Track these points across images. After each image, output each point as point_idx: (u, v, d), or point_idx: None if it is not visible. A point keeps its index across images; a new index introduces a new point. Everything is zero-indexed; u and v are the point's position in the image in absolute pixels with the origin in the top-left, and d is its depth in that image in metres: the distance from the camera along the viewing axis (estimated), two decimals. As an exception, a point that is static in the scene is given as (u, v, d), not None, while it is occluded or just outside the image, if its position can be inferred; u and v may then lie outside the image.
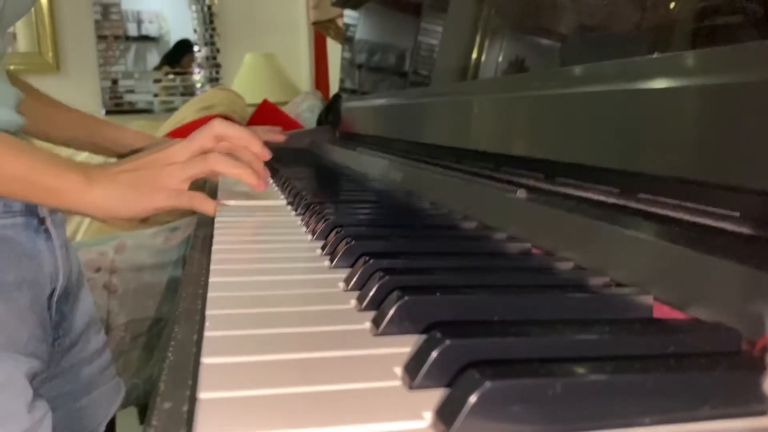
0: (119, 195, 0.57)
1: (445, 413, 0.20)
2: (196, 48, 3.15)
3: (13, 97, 0.59)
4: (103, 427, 0.73)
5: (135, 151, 0.82)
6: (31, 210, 0.59)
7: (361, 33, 1.36)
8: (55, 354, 0.64)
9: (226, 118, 1.82)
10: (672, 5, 0.44)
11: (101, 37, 3.01)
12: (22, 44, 2.88)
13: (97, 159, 1.36)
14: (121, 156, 0.84)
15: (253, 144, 0.65)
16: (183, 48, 3.14)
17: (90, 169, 0.58)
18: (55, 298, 0.62)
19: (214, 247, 0.46)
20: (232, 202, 0.65)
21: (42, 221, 0.60)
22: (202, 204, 0.60)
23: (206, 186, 0.84)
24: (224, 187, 0.74)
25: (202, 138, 0.62)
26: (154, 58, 3.13)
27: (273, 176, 0.92)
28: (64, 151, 1.15)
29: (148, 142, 0.85)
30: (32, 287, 0.57)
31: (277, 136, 1.13)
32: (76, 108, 0.84)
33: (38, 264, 0.58)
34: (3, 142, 0.53)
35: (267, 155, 0.67)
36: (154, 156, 0.60)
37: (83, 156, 1.34)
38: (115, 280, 1.36)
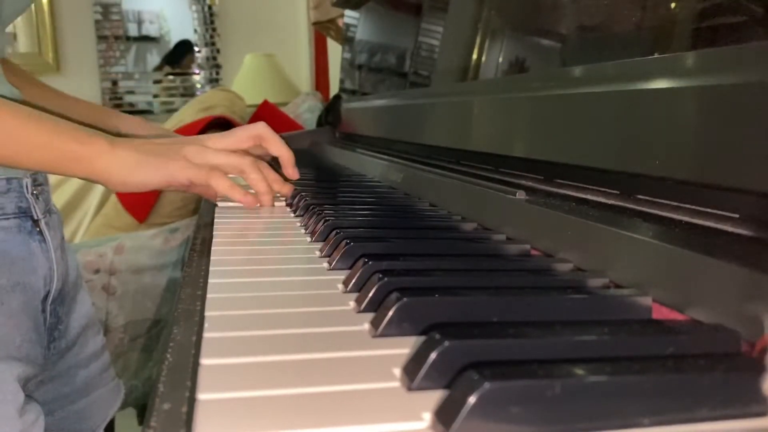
0: (138, 159, 0.57)
1: (445, 414, 0.20)
2: (196, 48, 3.15)
3: (10, 98, 0.59)
4: (101, 430, 0.72)
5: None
6: (24, 212, 0.58)
7: (361, 33, 1.36)
8: (51, 357, 0.63)
9: (226, 119, 1.83)
10: (672, 5, 0.44)
11: (101, 38, 3.01)
12: (23, 44, 2.88)
13: None
14: None
15: (287, 161, 0.66)
16: (184, 48, 3.14)
17: (116, 138, 0.58)
18: (49, 301, 0.61)
19: (214, 248, 0.46)
20: (232, 204, 0.65)
21: (36, 223, 0.59)
22: (219, 182, 0.59)
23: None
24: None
25: (240, 135, 0.63)
26: (154, 58, 3.13)
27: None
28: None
29: (154, 131, 0.84)
30: (25, 290, 0.57)
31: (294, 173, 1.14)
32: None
33: (32, 267, 0.58)
34: (23, 111, 0.53)
35: (296, 175, 0.67)
36: (184, 137, 0.61)
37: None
38: (114, 282, 1.36)
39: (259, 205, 0.63)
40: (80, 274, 0.72)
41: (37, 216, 0.59)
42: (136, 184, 0.57)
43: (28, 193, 0.58)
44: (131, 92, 3.10)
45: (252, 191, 0.63)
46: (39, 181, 0.61)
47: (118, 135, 0.82)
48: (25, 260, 0.57)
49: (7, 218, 0.56)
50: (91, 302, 0.73)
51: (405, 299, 0.29)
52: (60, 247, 0.64)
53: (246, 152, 0.64)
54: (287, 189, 0.66)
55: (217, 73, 3.17)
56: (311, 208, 0.57)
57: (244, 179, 0.63)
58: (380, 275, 0.33)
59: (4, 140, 0.52)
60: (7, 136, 0.52)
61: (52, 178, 0.80)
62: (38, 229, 0.59)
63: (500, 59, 0.71)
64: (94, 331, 0.72)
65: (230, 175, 0.62)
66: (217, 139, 0.62)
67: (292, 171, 0.67)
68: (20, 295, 0.56)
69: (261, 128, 0.64)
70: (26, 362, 0.56)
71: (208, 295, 0.34)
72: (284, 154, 0.66)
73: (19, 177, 0.58)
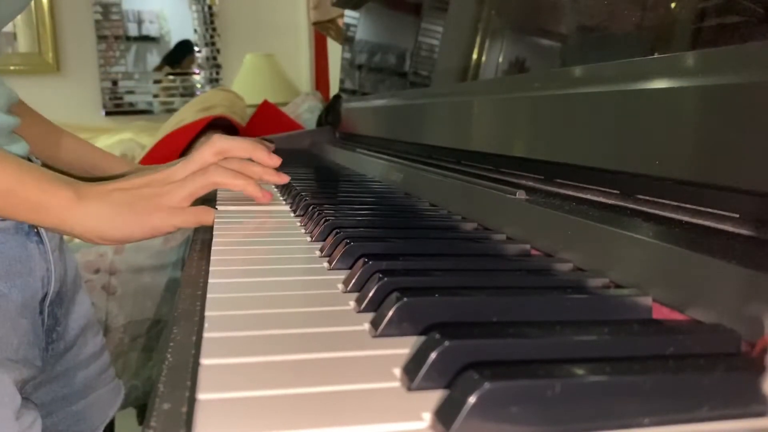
0: (111, 214, 0.53)
1: (445, 414, 0.20)
2: (196, 48, 3.15)
3: (3, 98, 0.58)
4: (101, 430, 0.72)
5: (118, 177, 0.79)
6: None
7: (361, 33, 1.36)
8: (49, 358, 0.63)
9: (226, 119, 1.82)
10: (672, 5, 0.44)
11: (101, 38, 3.01)
12: (23, 45, 2.88)
13: None
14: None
15: (259, 154, 0.61)
16: (184, 49, 3.14)
17: (81, 185, 0.54)
18: (47, 303, 0.61)
19: (213, 248, 0.46)
20: (232, 207, 0.64)
21: (33, 225, 0.59)
22: (208, 216, 0.56)
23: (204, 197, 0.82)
24: (223, 194, 0.73)
25: (202, 155, 0.58)
26: (154, 58, 3.13)
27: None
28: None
29: (131, 168, 0.82)
30: (23, 292, 0.56)
31: (273, 160, 1.11)
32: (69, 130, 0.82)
33: (29, 269, 0.57)
34: None
35: (276, 161, 0.63)
36: (151, 176, 0.57)
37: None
38: (114, 282, 1.36)
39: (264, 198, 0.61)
40: (79, 274, 0.72)
41: None
42: (116, 239, 0.54)
43: None
44: (131, 92, 3.10)
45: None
46: None
47: (95, 169, 0.78)
48: (23, 262, 0.57)
49: (4, 219, 0.56)
50: (91, 303, 0.72)
51: (405, 299, 0.29)
52: (58, 248, 0.63)
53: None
54: (280, 178, 0.62)
55: (217, 73, 3.17)
56: (311, 207, 0.57)
57: (225, 187, 0.60)
58: (380, 275, 0.33)
59: None
60: None
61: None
62: (36, 230, 0.59)
63: (500, 59, 0.71)
64: (93, 331, 0.72)
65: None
66: (181, 168, 0.57)
67: (271, 161, 0.62)
68: (17, 297, 0.55)
69: (218, 143, 0.59)
70: (24, 364, 0.56)
71: (208, 295, 0.34)
72: (254, 154, 0.61)
73: None
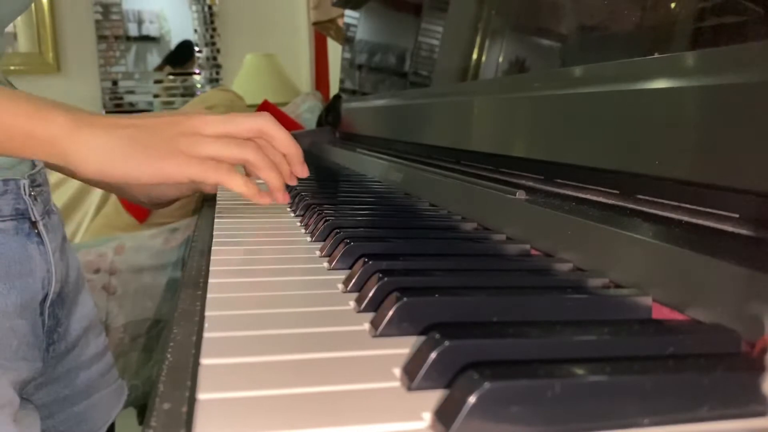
0: (118, 148, 0.47)
1: (445, 414, 0.20)
2: (196, 49, 3.15)
3: None
4: (103, 431, 0.72)
5: None
6: (21, 214, 0.57)
7: (361, 33, 1.36)
8: (51, 359, 0.63)
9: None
10: (672, 5, 0.44)
11: (102, 37, 3.01)
12: (23, 44, 2.88)
13: None
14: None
15: (295, 158, 0.57)
16: (187, 50, 3.14)
17: (84, 114, 0.48)
18: (48, 303, 0.60)
19: (214, 248, 0.46)
20: (231, 207, 0.64)
21: (34, 225, 0.58)
22: (233, 181, 0.50)
23: (204, 196, 0.81)
24: (223, 194, 0.73)
25: (243, 123, 0.52)
26: (154, 58, 3.13)
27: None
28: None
29: None
30: (22, 293, 0.56)
31: (303, 172, 1.08)
32: None
33: (29, 269, 0.57)
34: None
35: (306, 173, 0.59)
36: (177, 117, 0.51)
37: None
38: (115, 282, 1.36)
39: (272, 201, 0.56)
40: (81, 274, 0.71)
41: (35, 218, 0.58)
42: (119, 177, 0.48)
43: (25, 194, 0.57)
44: (131, 92, 3.10)
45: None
46: (38, 182, 0.60)
47: None
48: (23, 263, 0.56)
49: (4, 220, 0.55)
50: (93, 303, 0.72)
51: (405, 299, 0.29)
52: (59, 249, 0.63)
53: None
54: (284, 197, 0.57)
55: (218, 73, 3.17)
56: (311, 207, 0.57)
57: (250, 172, 0.55)
58: (380, 275, 0.33)
59: None
60: None
61: (52, 178, 0.79)
62: (36, 231, 0.58)
63: (500, 59, 0.71)
64: (95, 332, 0.71)
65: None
66: (215, 124, 0.51)
67: (300, 168, 0.58)
68: (16, 298, 0.55)
69: (264, 121, 0.54)
70: (24, 366, 0.55)
71: (208, 295, 0.34)
72: (292, 152, 0.57)
73: (17, 178, 0.57)
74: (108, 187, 0.72)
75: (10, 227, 0.56)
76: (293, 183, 0.59)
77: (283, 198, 0.56)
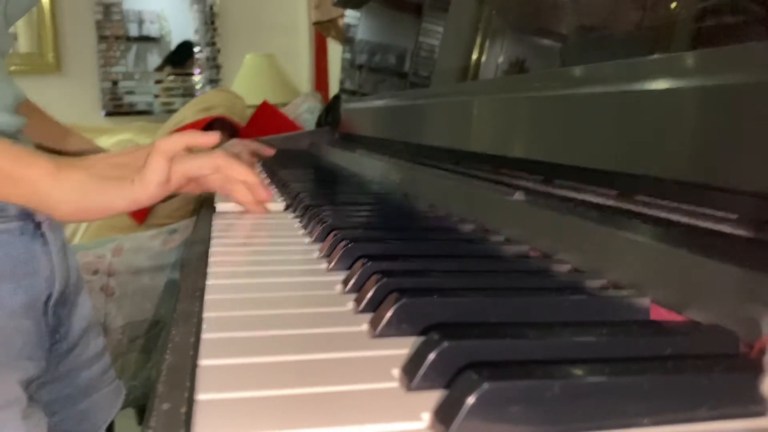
0: (95, 185, 0.50)
1: (444, 414, 0.20)
2: (197, 49, 3.15)
3: (11, 98, 0.58)
4: (103, 431, 0.73)
5: None
6: (27, 214, 0.58)
7: (361, 34, 1.36)
8: (53, 359, 0.63)
9: (226, 119, 1.83)
10: (672, 5, 0.44)
11: (102, 38, 3.01)
12: (23, 45, 2.88)
13: None
14: None
15: (258, 190, 0.60)
16: (188, 51, 3.14)
17: (62, 159, 0.52)
18: (51, 303, 0.61)
19: (212, 249, 0.46)
20: (230, 205, 0.64)
21: (38, 226, 0.59)
22: (216, 182, 0.55)
23: (203, 197, 0.82)
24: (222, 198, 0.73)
25: (201, 163, 0.57)
26: (154, 58, 3.13)
27: (271, 178, 0.92)
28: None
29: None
30: (27, 293, 0.56)
31: (267, 151, 1.13)
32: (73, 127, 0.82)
33: (34, 269, 0.58)
34: None
35: (269, 196, 0.62)
36: (137, 147, 0.55)
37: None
38: (113, 283, 1.36)
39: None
40: (81, 276, 0.72)
41: (40, 218, 0.59)
42: (95, 210, 0.51)
43: None
44: (131, 92, 3.10)
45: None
46: None
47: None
48: (27, 263, 0.57)
49: (10, 221, 0.56)
50: (92, 304, 0.73)
51: (404, 300, 0.29)
52: (62, 250, 0.64)
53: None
54: (268, 195, 0.62)
55: (218, 73, 3.17)
56: (310, 208, 0.57)
57: (228, 173, 0.59)
58: (379, 276, 0.33)
59: None
60: None
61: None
62: (40, 231, 0.59)
63: (500, 59, 0.71)
64: (95, 332, 0.72)
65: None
66: (175, 140, 0.55)
67: (264, 193, 0.61)
68: (22, 298, 0.56)
69: (219, 160, 0.58)
70: (29, 365, 0.56)
71: (207, 296, 0.34)
72: (249, 179, 0.60)
73: None
74: None
75: (15, 228, 0.56)
76: (264, 198, 0.62)
77: (262, 209, 0.61)
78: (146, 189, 0.52)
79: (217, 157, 0.58)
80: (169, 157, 0.54)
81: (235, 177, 0.60)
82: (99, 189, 0.51)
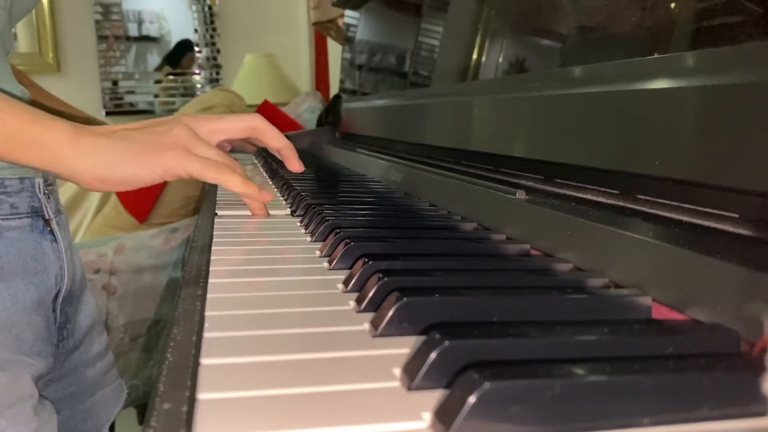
0: (116, 151, 0.48)
1: (445, 414, 0.20)
2: (196, 49, 3.15)
3: (17, 96, 0.59)
4: (106, 429, 0.73)
5: None
6: (36, 211, 0.58)
7: (361, 33, 1.36)
8: (60, 356, 0.64)
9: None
10: (672, 6, 0.44)
11: (102, 38, 3.01)
12: (23, 44, 2.88)
13: None
14: None
15: (289, 151, 0.58)
16: (183, 48, 3.14)
17: (82, 125, 0.49)
18: (59, 300, 0.62)
19: (214, 248, 0.46)
20: (229, 212, 0.63)
21: (47, 223, 0.59)
22: (231, 180, 0.51)
23: (204, 195, 0.82)
24: (223, 197, 0.73)
25: (235, 122, 0.54)
26: (154, 58, 3.13)
27: (272, 178, 0.92)
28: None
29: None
30: (38, 289, 0.57)
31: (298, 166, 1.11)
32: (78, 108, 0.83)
33: (44, 266, 0.58)
34: None
35: (300, 168, 0.60)
36: (165, 118, 0.53)
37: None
38: (115, 282, 1.36)
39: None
40: (84, 274, 0.73)
41: (49, 215, 0.59)
42: (120, 180, 0.49)
43: (40, 192, 0.58)
44: (131, 92, 3.10)
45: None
46: (49, 181, 0.61)
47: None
48: (38, 259, 0.57)
49: (21, 217, 0.56)
50: (95, 302, 0.73)
51: (405, 299, 0.29)
52: (70, 247, 0.64)
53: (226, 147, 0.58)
54: (268, 196, 0.59)
55: (217, 73, 3.17)
56: (311, 208, 0.57)
57: (259, 137, 0.57)
58: (380, 275, 0.33)
59: None
60: None
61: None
62: (49, 228, 0.59)
63: (500, 59, 0.71)
64: (98, 330, 0.73)
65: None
66: (209, 123, 0.53)
67: (297, 164, 0.60)
68: (34, 294, 0.56)
69: (257, 120, 0.56)
70: (38, 361, 0.56)
71: (208, 295, 0.34)
72: (285, 147, 0.59)
73: (32, 176, 0.58)
74: None
75: (26, 224, 0.57)
76: (296, 169, 0.60)
77: (265, 213, 0.58)
78: (181, 159, 0.49)
79: (250, 119, 0.56)
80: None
81: (269, 144, 0.58)
82: (122, 156, 0.48)
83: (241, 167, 0.55)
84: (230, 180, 0.52)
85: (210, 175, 0.50)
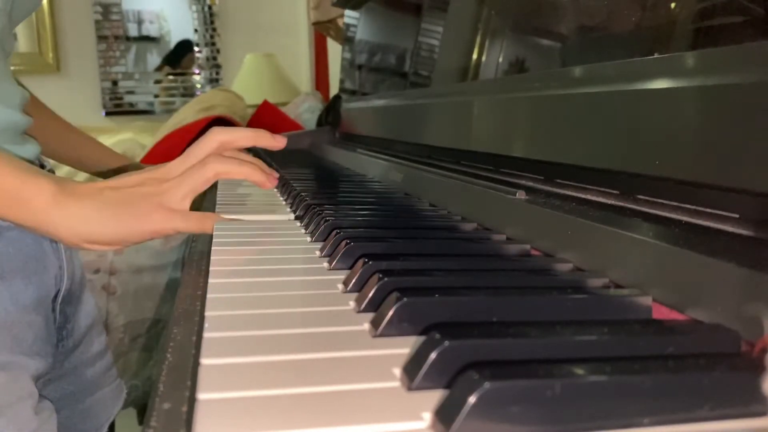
0: (102, 213, 0.47)
1: (445, 414, 0.20)
2: (196, 49, 3.15)
3: (17, 97, 0.59)
4: (105, 428, 0.73)
5: (115, 171, 0.79)
6: None
7: (361, 33, 1.36)
8: (59, 355, 0.64)
9: (226, 119, 1.83)
10: (672, 5, 0.44)
11: (102, 38, 3.01)
12: (23, 45, 2.88)
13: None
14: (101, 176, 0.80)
15: (262, 139, 0.55)
16: (183, 48, 3.14)
17: (68, 181, 0.49)
18: (59, 300, 0.62)
19: (213, 248, 0.46)
20: (232, 216, 0.62)
21: None
22: (208, 223, 0.52)
23: (204, 197, 0.82)
24: (223, 197, 0.73)
25: (201, 148, 0.53)
26: (154, 58, 3.13)
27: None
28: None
29: (126, 163, 0.81)
30: (38, 289, 0.57)
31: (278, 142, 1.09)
32: (71, 123, 0.82)
33: (43, 266, 0.58)
34: None
35: (281, 143, 0.56)
36: (146, 174, 0.52)
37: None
38: (114, 282, 1.36)
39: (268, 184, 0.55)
40: (84, 274, 0.73)
41: None
42: (108, 241, 0.49)
43: None
44: (131, 92, 3.11)
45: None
46: None
47: (96, 162, 0.79)
48: (38, 259, 0.58)
49: None
50: (95, 302, 0.73)
51: (405, 299, 0.29)
52: (69, 248, 0.64)
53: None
54: (271, 176, 0.56)
55: (217, 73, 3.17)
56: (311, 208, 0.57)
57: (227, 177, 0.55)
58: (380, 275, 0.33)
59: None
60: None
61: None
62: None
63: (500, 59, 0.71)
64: (98, 330, 0.73)
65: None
66: (179, 164, 0.52)
67: (275, 141, 0.56)
68: (33, 294, 0.56)
69: (218, 134, 0.54)
70: (38, 360, 0.57)
71: (208, 295, 0.34)
72: (257, 138, 0.55)
73: None
74: None
75: None
76: (267, 180, 0.57)
77: (270, 183, 0.55)
78: (156, 221, 0.49)
79: (212, 137, 0.53)
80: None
81: (241, 145, 0.54)
82: (107, 218, 0.48)
83: (234, 161, 0.53)
84: (207, 227, 0.52)
85: (194, 227, 0.51)
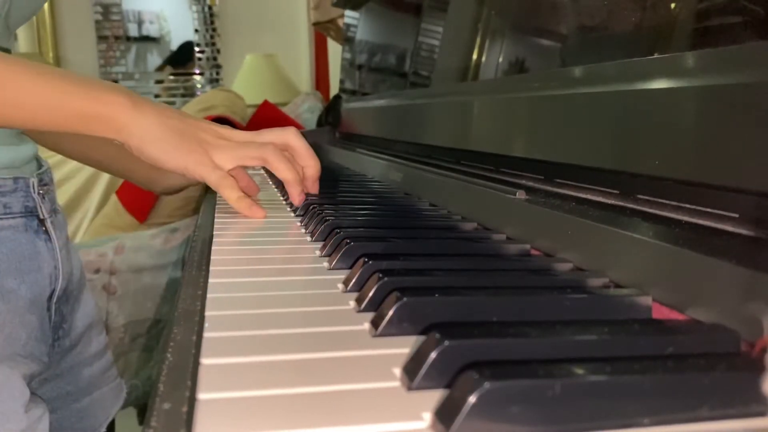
0: (161, 134, 0.54)
1: (445, 414, 0.20)
2: (197, 49, 3.15)
3: None
4: (104, 428, 0.73)
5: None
6: (30, 211, 0.58)
7: (361, 34, 1.36)
8: (55, 355, 0.64)
9: (227, 119, 1.83)
10: (672, 6, 0.44)
11: (102, 38, 3.01)
12: (23, 44, 2.88)
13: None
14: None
15: (312, 171, 0.62)
16: (189, 52, 3.14)
17: (132, 94, 0.55)
18: (54, 300, 0.62)
19: (214, 248, 0.46)
20: (229, 212, 0.63)
21: (42, 223, 0.60)
22: (228, 193, 0.56)
23: (206, 192, 0.83)
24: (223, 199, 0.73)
25: (271, 136, 0.59)
26: (154, 58, 3.13)
27: (273, 178, 0.92)
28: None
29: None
30: (31, 288, 0.57)
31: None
32: None
33: (38, 265, 0.58)
34: (24, 66, 0.50)
35: (315, 189, 0.63)
36: (213, 125, 0.58)
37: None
38: (115, 282, 1.36)
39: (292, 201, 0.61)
40: (83, 274, 0.73)
41: (43, 215, 0.60)
42: (150, 157, 0.55)
43: (34, 192, 0.59)
44: (131, 92, 3.10)
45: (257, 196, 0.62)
46: (45, 181, 0.61)
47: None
48: (32, 259, 0.58)
49: (14, 217, 0.56)
50: (95, 302, 0.73)
51: (405, 299, 0.29)
52: (65, 247, 0.64)
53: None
54: (315, 189, 0.63)
55: (218, 73, 3.17)
56: (311, 207, 0.57)
57: (270, 169, 0.60)
58: (380, 275, 0.33)
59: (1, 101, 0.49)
60: (11, 96, 0.49)
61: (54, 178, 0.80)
62: (44, 228, 0.60)
63: (500, 59, 0.71)
64: (97, 330, 0.73)
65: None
66: (244, 135, 0.59)
67: (312, 185, 0.63)
68: (27, 293, 0.56)
69: (291, 137, 0.60)
70: (31, 360, 0.56)
71: (208, 295, 0.34)
72: (312, 166, 0.62)
73: (26, 177, 0.58)
74: (123, 170, 0.78)
75: (20, 224, 0.57)
76: (310, 190, 0.63)
77: (300, 196, 0.60)
78: (193, 161, 0.55)
79: (283, 134, 0.61)
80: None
81: (298, 160, 0.62)
82: (166, 139, 0.54)
83: (284, 159, 0.58)
84: (226, 196, 0.57)
85: (213, 184, 0.56)
